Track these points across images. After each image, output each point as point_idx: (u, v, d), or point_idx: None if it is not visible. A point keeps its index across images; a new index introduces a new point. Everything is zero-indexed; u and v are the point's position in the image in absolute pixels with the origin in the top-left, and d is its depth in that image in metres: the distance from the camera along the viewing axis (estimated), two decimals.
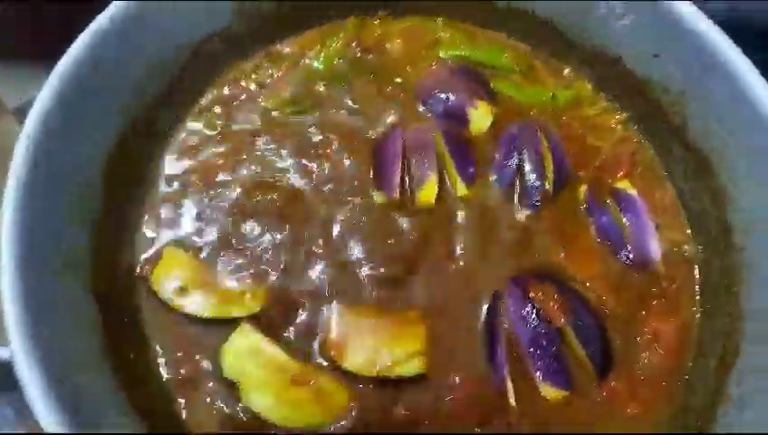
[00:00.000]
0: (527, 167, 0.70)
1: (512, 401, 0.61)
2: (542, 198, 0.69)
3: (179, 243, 0.65)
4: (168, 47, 0.67)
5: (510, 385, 0.61)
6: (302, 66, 0.75)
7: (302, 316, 0.63)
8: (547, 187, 0.69)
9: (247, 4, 0.71)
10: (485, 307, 0.64)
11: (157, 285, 0.62)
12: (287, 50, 0.75)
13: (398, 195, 0.67)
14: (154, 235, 0.66)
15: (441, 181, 0.69)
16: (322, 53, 0.75)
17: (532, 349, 0.62)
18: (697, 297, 0.68)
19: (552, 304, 0.63)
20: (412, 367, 0.60)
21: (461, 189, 0.68)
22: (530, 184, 0.70)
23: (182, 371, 0.61)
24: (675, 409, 0.63)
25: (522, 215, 0.69)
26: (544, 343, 0.62)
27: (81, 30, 0.59)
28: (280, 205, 0.67)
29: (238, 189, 0.68)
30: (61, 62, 0.58)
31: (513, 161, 0.70)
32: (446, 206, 0.68)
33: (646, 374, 0.64)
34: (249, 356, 0.59)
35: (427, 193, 0.68)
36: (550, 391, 0.62)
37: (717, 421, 0.59)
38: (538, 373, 0.62)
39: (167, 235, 0.66)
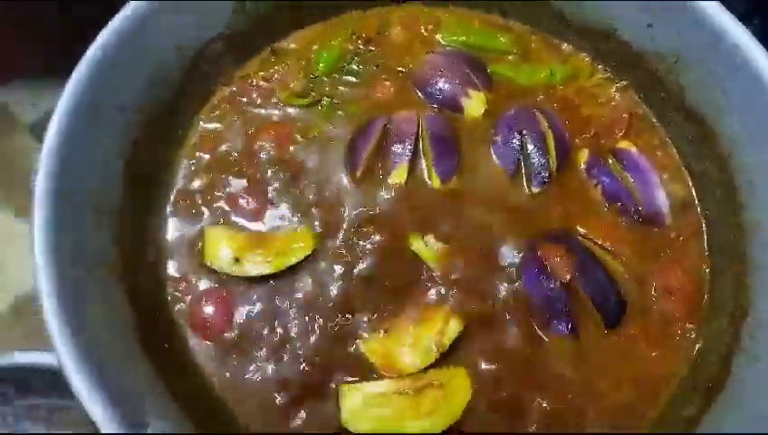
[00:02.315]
0: (530, 147, 0.72)
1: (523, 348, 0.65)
2: (549, 174, 0.71)
3: (214, 223, 0.69)
4: (173, 51, 0.69)
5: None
6: (308, 60, 0.77)
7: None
8: (551, 163, 0.72)
9: (248, 3, 0.73)
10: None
11: (213, 263, 0.66)
12: (292, 45, 0.78)
13: (360, 174, 0.70)
14: (179, 226, 0.69)
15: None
16: (326, 49, 0.77)
17: (539, 303, 0.65)
18: (706, 254, 0.71)
19: (558, 260, 0.66)
20: (454, 329, 0.64)
21: (436, 182, 0.71)
22: (535, 163, 0.72)
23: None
24: (691, 362, 0.66)
25: (529, 191, 0.71)
26: (551, 297, 0.65)
27: (86, 44, 0.61)
28: (291, 173, 0.71)
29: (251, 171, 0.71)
30: (74, 75, 0.59)
31: (516, 143, 0.72)
32: (454, 188, 0.71)
33: (661, 323, 0.67)
34: (370, 407, 0.61)
35: (397, 176, 0.70)
36: (558, 343, 0.65)
37: (732, 373, 0.61)
38: (547, 325, 0.65)
39: (192, 223, 0.69)
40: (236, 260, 0.65)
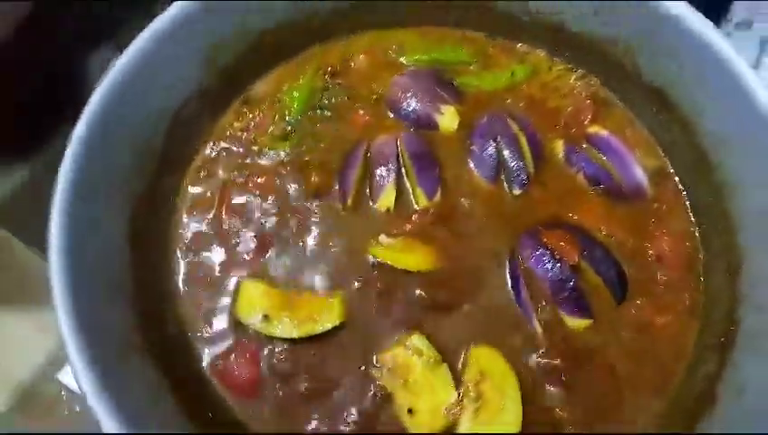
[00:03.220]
0: (505, 152, 0.75)
1: (540, 337, 0.68)
2: (527, 176, 0.74)
3: (253, 275, 0.70)
4: (150, 119, 0.69)
5: (537, 323, 0.68)
6: (281, 102, 0.78)
7: None
8: (528, 164, 0.75)
9: (214, 56, 0.73)
10: (507, 263, 0.70)
11: (243, 318, 0.67)
12: (262, 91, 0.79)
13: (350, 202, 0.72)
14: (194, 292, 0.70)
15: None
16: (295, 89, 0.78)
17: (552, 288, 0.69)
18: (692, 217, 0.75)
19: (563, 244, 0.69)
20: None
21: (422, 201, 0.73)
22: (513, 167, 0.74)
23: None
24: (701, 321, 0.70)
25: (511, 194, 0.74)
26: (563, 279, 0.68)
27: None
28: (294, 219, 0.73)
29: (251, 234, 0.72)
30: (65, 161, 0.59)
31: (492, 149, 0.75)
32: (442, 201, 0.73)
33: (665, 291, 0.71)
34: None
35: (384, 202, 0.72)
36: (575, 323, 0.68)
37: (742, 325, 0.65)
38: (562, 308, 0.68)
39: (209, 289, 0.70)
40: (266, 317, 0.66)
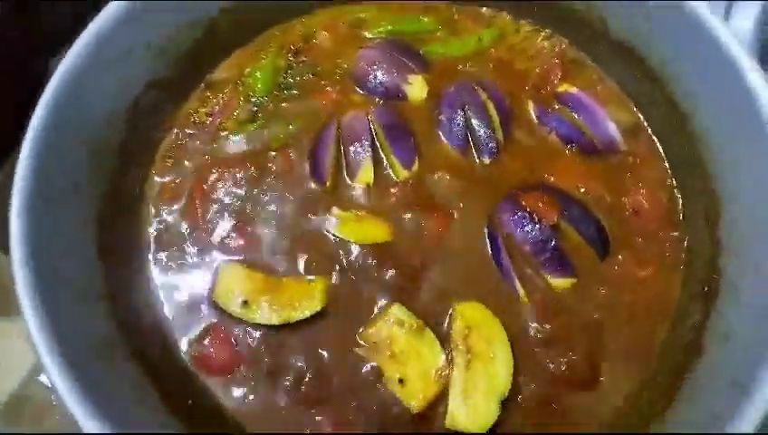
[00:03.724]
0: (474, 121, 0.74)
1: (524, 298, 0.67)
2: (496, 145, 0.73)
3: (230, 260, 0.68)
4: (104, 117, 0.67)
5: (518, 285, 0.67)
6: (245, 84, 0.76)
7: None
8: (497, 132, 0.74)
9: (168, 46, 0.72)
10: (485, 229, 0.69)
11: (224, 304, 0.65)
12: (224, 75, 0.77)
13: (329, 182, 0.71)
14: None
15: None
16: (259, 70, 0.77)
17: (533, 249, 0.68)
18: (667, 168, 0.74)
19: (541, 205, 0.68)
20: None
21: (401, 173, 0.72)
22: (481, 136, 0.73)
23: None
24: (683, 272, 0.70)
25: (480, 163, 0.73)
26: (543, 240, 0.68)
27: None
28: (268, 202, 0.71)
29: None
30: (21, 163, 0.58)
31: (460, 119, 0.74)
32: (414, 176, 0.72)
33: (645, 244, 0.70)
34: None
35: (363, 178, 0.71)
36: (559, 282, 0.68)
37: (724, 273, 0.64)
38: (544, 269, 0.68)
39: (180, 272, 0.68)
40: (245, 303, 0.64)
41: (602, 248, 0.69)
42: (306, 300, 0.65)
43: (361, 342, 0.65)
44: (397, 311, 0.65)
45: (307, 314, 0.64)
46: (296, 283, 0.66)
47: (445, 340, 0.64)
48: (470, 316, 0.65)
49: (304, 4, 0.80)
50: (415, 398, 0.62)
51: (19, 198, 0.57)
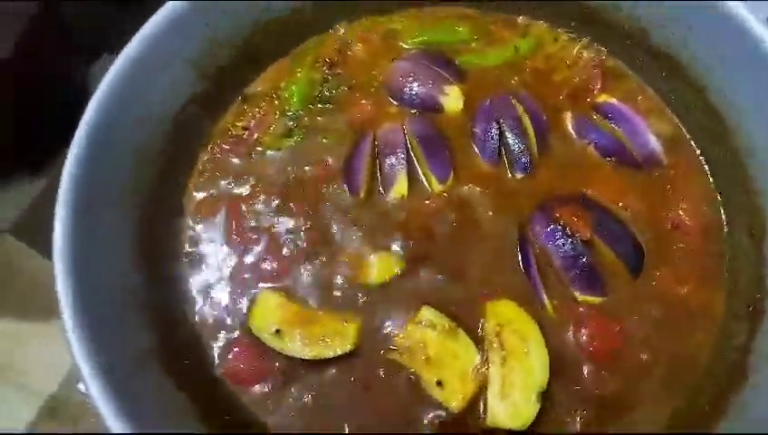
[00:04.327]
0: (508, 135, 0.73)
1: (551, 312, 0.66)
2: (530, 160, 0.72)
3: (264, 282, 0.68)
4: (148, 124, 0.68)
5: (546, 298, 0.66)
6: (280, 98, 0.77)
7: None
8: (532, 147, 0.72)
9: (206, 61, 0.72)
10: (517, 240, 0.68)
11: (257, 330, 0.65)
12: (260, 88, 0.77)
13: (363, 194, 0.70)
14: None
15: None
16: (294, 83, 0.77)
17: (564, 264, 0.67)
18: (711, 182, 0.72)
19: (575, 219, 0.67)
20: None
21: (436, 187, 0.71)
22: (515, 150, 0.72)
23: None
24: (726, 290, 0.67)
25: (515, 177, 0.72)
26: (574, 256, 0.66)
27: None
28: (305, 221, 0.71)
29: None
30: (64, 176, 0.59)
31: (494, 132, 0.73)
32: (447, 188, 0.71)
33: (685, 258, 0.68)
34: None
35: (398, 190, 0.71)
36: (587, 300, 0.66)
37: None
38: (573, 285, 0.66)
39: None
40: (278, 332, 0.64)
41: (636, 266, 0.67)
42: (339, 338, 0.65)
43: (393, 347, 0.65)
44: (427, 313, 0.65)
45: (338, 353, 0.64)
46: (330, 320, 0.66)
47: (478, 341, 0.64)
48: (501, 313, 0.65)
49: (339, 16, 0.80)
50: (455, 398, 0.62)
51: (64, 205, 0.58)
